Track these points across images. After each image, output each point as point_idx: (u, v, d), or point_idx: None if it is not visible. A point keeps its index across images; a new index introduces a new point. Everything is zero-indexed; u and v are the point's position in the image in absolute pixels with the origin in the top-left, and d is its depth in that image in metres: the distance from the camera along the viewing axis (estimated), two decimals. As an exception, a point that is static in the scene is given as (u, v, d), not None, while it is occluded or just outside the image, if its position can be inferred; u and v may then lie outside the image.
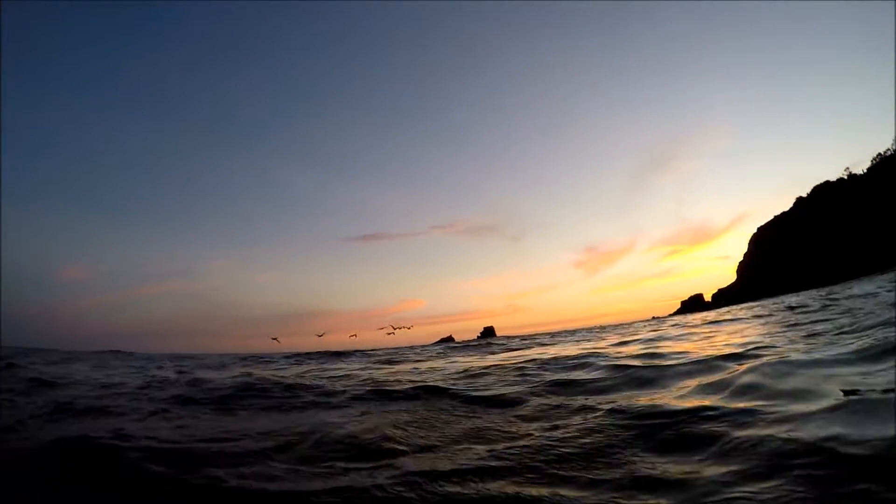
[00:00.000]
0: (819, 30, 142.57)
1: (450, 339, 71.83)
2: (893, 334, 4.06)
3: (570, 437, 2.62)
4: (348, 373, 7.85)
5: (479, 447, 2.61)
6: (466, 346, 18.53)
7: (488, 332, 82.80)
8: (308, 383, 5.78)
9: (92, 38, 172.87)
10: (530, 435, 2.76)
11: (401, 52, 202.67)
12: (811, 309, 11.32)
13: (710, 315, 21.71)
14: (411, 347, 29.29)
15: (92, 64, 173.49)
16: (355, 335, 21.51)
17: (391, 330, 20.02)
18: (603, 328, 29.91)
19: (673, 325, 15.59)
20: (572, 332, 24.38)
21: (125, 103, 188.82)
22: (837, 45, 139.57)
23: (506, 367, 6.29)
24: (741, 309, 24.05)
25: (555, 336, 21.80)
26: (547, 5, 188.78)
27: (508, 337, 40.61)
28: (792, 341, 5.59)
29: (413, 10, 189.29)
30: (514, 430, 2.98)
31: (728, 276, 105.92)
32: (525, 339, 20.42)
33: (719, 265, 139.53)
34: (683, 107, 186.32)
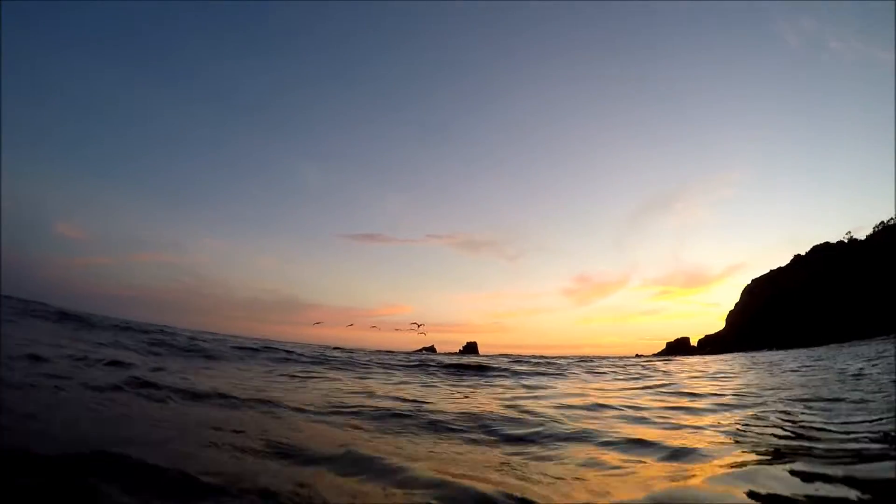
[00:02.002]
0: (845, 89, 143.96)
1: (432, 348, 71.28)
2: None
3: None
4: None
5: None
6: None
7: (471, 348, 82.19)
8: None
9: None
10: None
11: (429, 59, 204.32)
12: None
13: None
14: (389, 352, 28.69)
15: (101, 22, 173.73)
16: (376, 327, 26.52)
17: (415, 328, 26.24)
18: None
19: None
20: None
21: (138, 69, 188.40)
22: (860, 107, 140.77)
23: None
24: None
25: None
26: (570, 33, 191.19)
27: (490, 356, 39.91)
28: None
29: (437, 23, 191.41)
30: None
31: (715, 324, 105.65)
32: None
33: (708, 311, 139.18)
34: (695, 153, 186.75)
